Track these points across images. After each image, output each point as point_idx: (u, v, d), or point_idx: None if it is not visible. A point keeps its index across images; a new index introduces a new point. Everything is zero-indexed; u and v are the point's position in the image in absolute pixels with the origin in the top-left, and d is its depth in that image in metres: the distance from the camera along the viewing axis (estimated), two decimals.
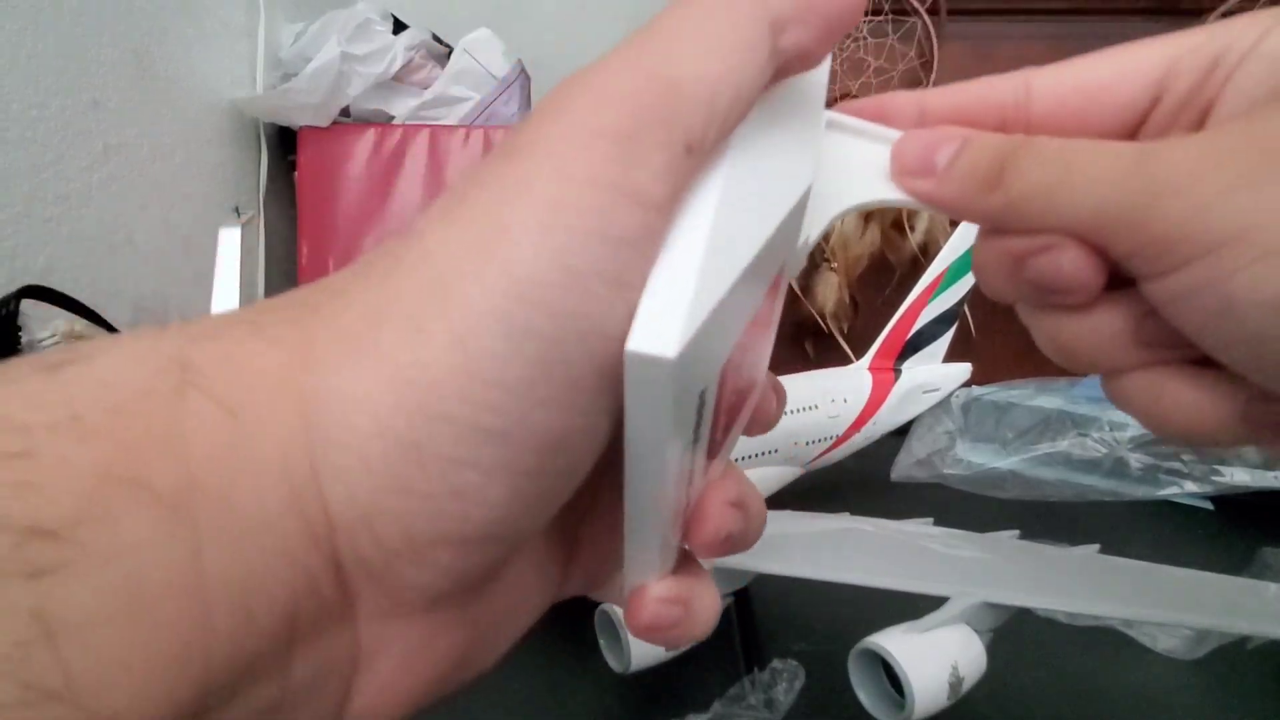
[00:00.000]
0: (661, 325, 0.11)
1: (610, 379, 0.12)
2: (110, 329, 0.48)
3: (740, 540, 0.17)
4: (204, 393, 0.11)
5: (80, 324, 0.47)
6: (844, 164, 0.17)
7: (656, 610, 0.16)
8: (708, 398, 0.13)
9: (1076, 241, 0.14)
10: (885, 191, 0.16)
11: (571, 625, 0.42)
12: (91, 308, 0.48)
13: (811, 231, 0.16)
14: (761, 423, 0.19)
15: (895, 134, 0.17)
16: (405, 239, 0.13)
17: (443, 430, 0.12)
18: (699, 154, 0.13)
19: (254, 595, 0.11)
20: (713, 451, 0.16)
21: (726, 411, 0.16)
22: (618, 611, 0.37)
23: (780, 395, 0.19)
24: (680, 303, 0.11)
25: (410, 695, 0.15)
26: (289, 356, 0.12)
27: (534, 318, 0.12)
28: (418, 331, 0.12)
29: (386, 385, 0.12)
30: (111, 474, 0.10)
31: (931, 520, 0.50)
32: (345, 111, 0.73)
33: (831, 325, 0.79)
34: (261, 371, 0.12)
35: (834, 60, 0.77)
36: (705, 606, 0.17)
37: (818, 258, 0.79)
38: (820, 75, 0.16)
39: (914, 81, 0.79)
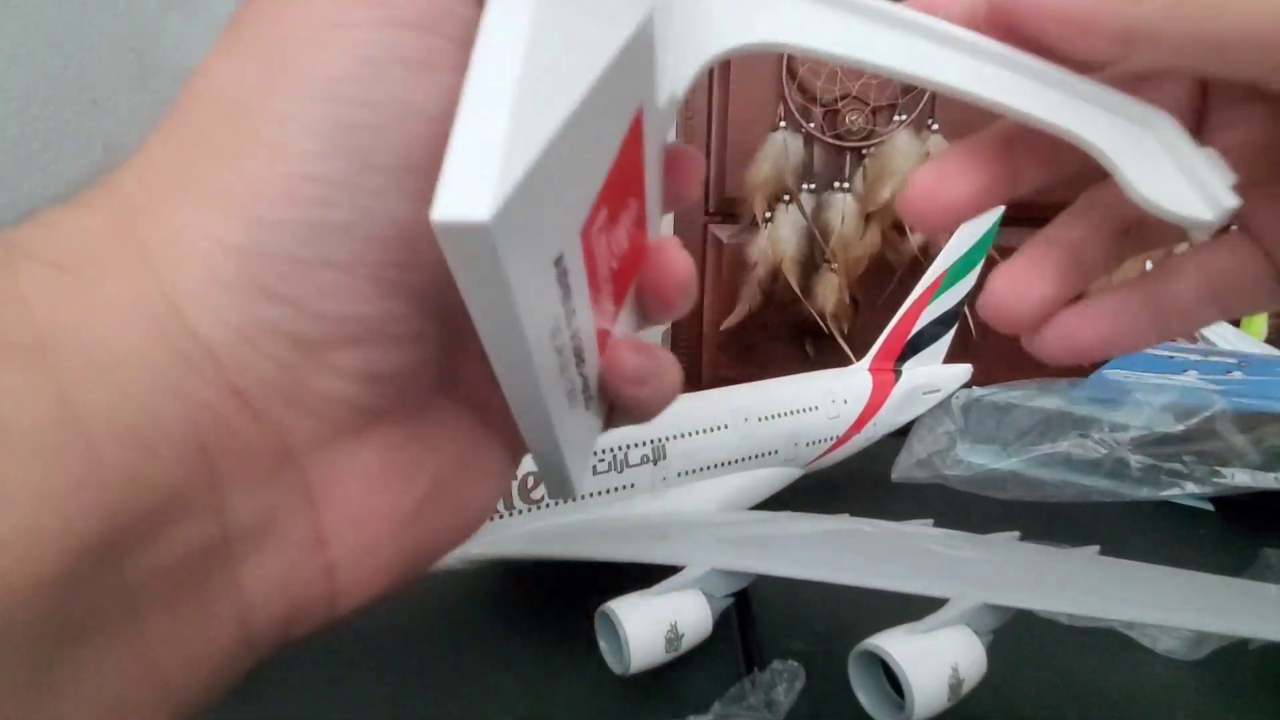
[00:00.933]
0: (472, 183, 0.09)
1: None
2: None
3: (655, 377, 0.15)
4: (32, 259, 0.11)
5: None
6: (703, 4, 0.14)
7: (635, 358, 0.15)
8: (571, 264, 0.12)
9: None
10: (788, 32, 0.14)
11: (571, 626, 0.42)
12: None
13: (677, 86, 0.14)
14: (665, 291, 0.16)
15: None
16: (188, 84, 0.13)
17: (283, 234, 0.12)
18: None
19: (143, 429, 0.11)
20: (604, 321, 0.14)
21: (612, 279, 0.14)
22: (618, 612, 0.37)
23: (679, 251, 0.16)
24: (492, 151, 0.09)
25: (389, 543, 0.14)
26: (108, 212, 0.12)
27: (341, 111, 0.12)
28: (232, 153, 0.12)
29: (215, 205, 0.12)
30: None
31: (932, 521, 0.50)
32: None
33: (831, 326, 0.79)
34: (85, 230, 0.12)
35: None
36: (670, 363, 0.16)
37: (818, 258, 0.79)
38: None
39: None
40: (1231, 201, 0.14)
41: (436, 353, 0.14)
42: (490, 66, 0.10)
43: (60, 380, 0.10)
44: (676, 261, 0.16)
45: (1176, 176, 0.14)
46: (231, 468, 0.12)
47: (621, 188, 0.13)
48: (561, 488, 0.15)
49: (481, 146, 0.09)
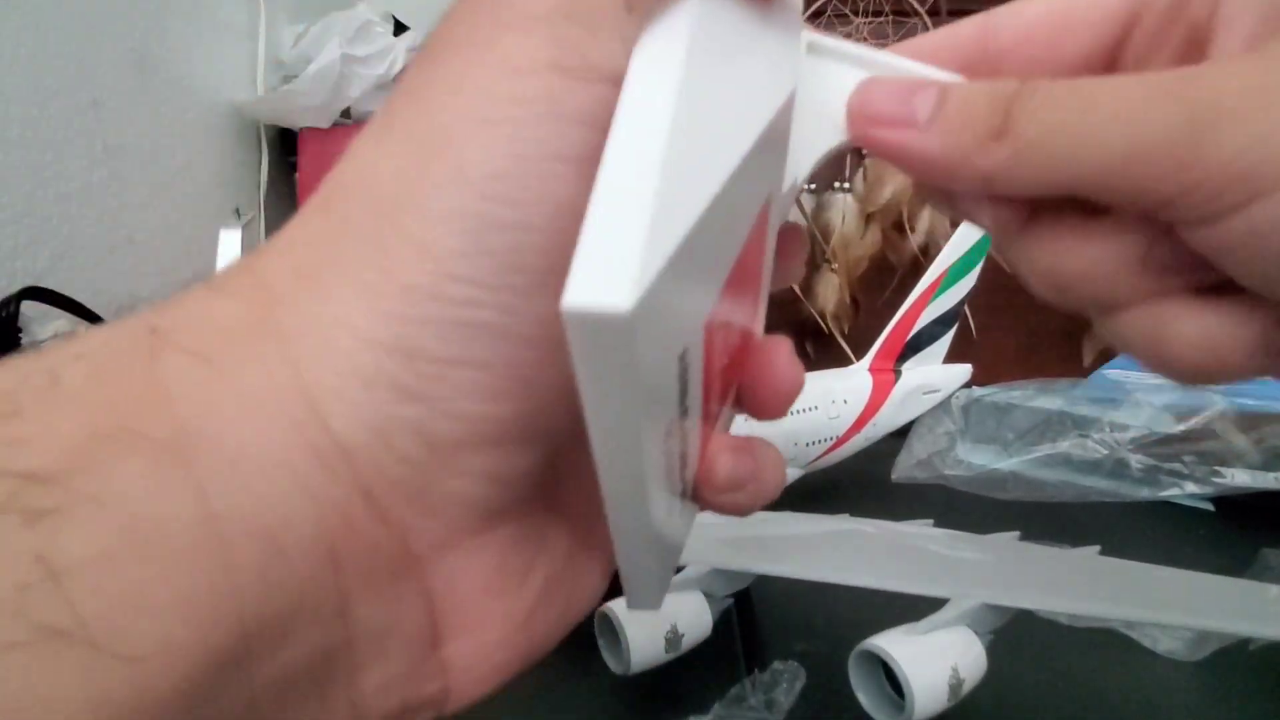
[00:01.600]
0: (611, 269, 0.08)
1: None
2: None
3: (754, 480, 0.15)
4: (177, 348, 0.11)
5: (81, 326, 0.47)
6: (830, 91, 0.14)
7: (732, 462, 0.14)
8: (691, 360, 0.11)
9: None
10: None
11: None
12: (91, 309, 0.48)
13: (799, 170, 0.14)
14: (766, 399, 0.15)
15: (896, 61, 0.14)
16: (336, 171, 0.13)
17: (427, 332, 0.12)
18: (641, 10, 0.12)
19: (276, 531, 0.11)
20: (709, 423, 0.14)
21: (721, 375, 0.13)
22: (618, 612, 0.37)
23: (790, 359, 0.16)
24: (634, 235, 0.08)
25: (503, 645, 0.14)
26: (249, 300, 0.12)
27: (492, 210, 0.11)
28: (378, 248, 0.12)
29: (359, 300, 0.12)
30: (98, 428, 0.10)
31: (932, 521, 0.50)
32: (346, 113, 0.73)
33: (832, 326, 0.79)
34: (228, 321, 0.12)
35: None
36: (772, 459, 0.15)
37: (818, 258, 0.79)
38: None
39: None
40: None
41: (552, 454, 0.14)
42: (631, 145, 0.09)
43: (198, 477, 0.10)
44: (785, 369, 0.15)
45: None
46: (357, 571, 0.12)
47: (743, 277, 0.13)
48: (646, 599, 0.15)
49: (621, 230, 0.08)
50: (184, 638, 0.10)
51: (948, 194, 0.15)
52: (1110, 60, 0.15)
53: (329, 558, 0.11)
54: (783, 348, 0.15)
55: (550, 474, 0.14)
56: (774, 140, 0.12)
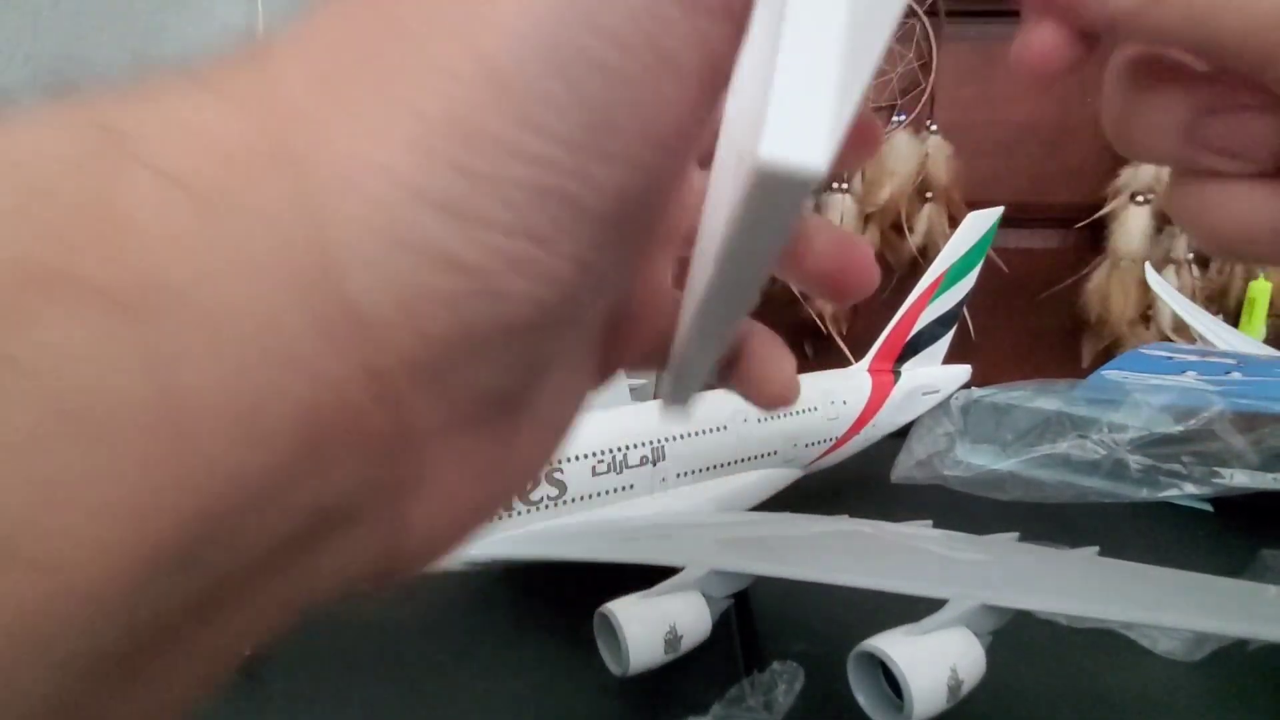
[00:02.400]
0: (808, 127, 0.08)
1: (691, 125, 0.10)
2: None
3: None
4: (150, 167, 0.09)
5: None
6: None
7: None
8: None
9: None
10: None
11: (570, 627, 0.42)
12: None
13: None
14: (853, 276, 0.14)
15: None
16: None
17: (486, 191, 0.09)
18: None
19: (251, 414, 0.09)
20: None
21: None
22: (617, 613, 0.37)
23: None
24: (828, 92, 0.08)
25: (459, 532, 0.13)
26: (255, 115, 0.09)
27: (593, 45, 0.09)
28: (434, 67, 0.09)
29: (405, 137, 0.09)
30: (30, 267, 0.08)
31: (931, 522, 0.50)
32: None
33: (831, 327, 0.79)
34: (222, 136, 0.09)
35: None
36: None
37: None
38: None
39: (913, 83, 0.79)
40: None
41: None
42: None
43: (157, 344, 0.08)
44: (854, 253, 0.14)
45: None
46: (339, 454, 0.10)
47: None
48: (684, 398, 0.16)
49: (815, 83, 0.08)
50: (122, 540, 0.08)
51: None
52: None
53: (310, 443, 0.09)
54: (859, 241, 0.14)
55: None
56: None
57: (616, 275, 0.12)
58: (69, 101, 0.09)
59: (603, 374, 0.15)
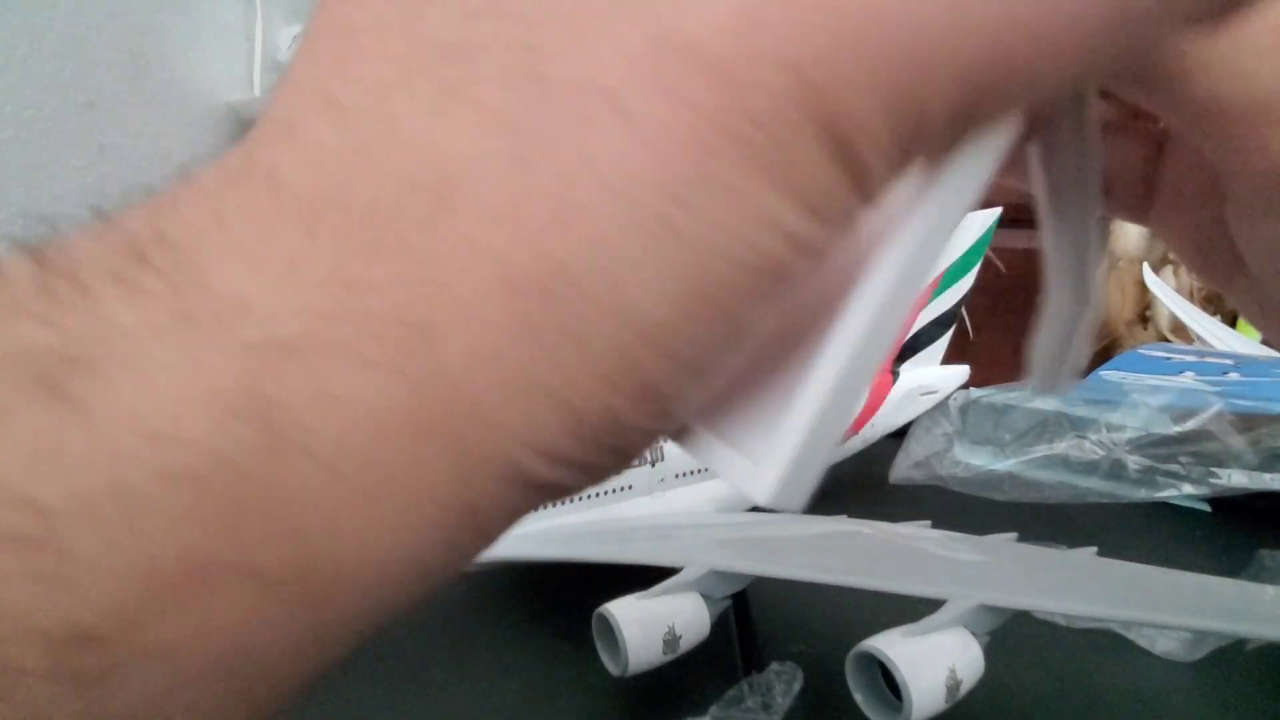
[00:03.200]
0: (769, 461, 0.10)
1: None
2: None
3: None
4: (304, 451, 0.08)
5: None
6: None
7: None
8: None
9: None
10: None
11: (568, 627, 0.42)
12: None
13: None
14: None
15: None
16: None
17: (607, 457, 0.10)
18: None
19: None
20: None
21: None
22: (615, 614, 0.37)
23: None
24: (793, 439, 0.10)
25: None
26: (414, 385, 0.09)
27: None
28: (614, 363, 0.09)
29: (559, 425, 0.09)
30: (182, 563, 0.08)
31: (929, 522, 0.50)
32: None
33: None
34: (379, 410, 0.08)
35: None
36: None
37: None
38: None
39: None
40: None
41: None
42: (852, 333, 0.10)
43: (319, 621, 0.09)
44: None
45: None
46: None
47: None
48: (799, 496, 0.16)
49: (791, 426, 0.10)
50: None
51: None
52: None
53: None
54: None
55: None
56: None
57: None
58: (199, 334, 0.08)
59: None
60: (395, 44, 0.09)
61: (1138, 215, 0.15)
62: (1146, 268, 0.75)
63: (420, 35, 0.09)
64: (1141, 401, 0.56)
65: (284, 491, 0.08)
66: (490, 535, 0.10)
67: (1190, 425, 0.54)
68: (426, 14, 0.09)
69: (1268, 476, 0.52)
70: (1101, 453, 0.55)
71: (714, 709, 0.36)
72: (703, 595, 0.39)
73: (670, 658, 0.37)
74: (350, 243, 0.08)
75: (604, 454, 0.09)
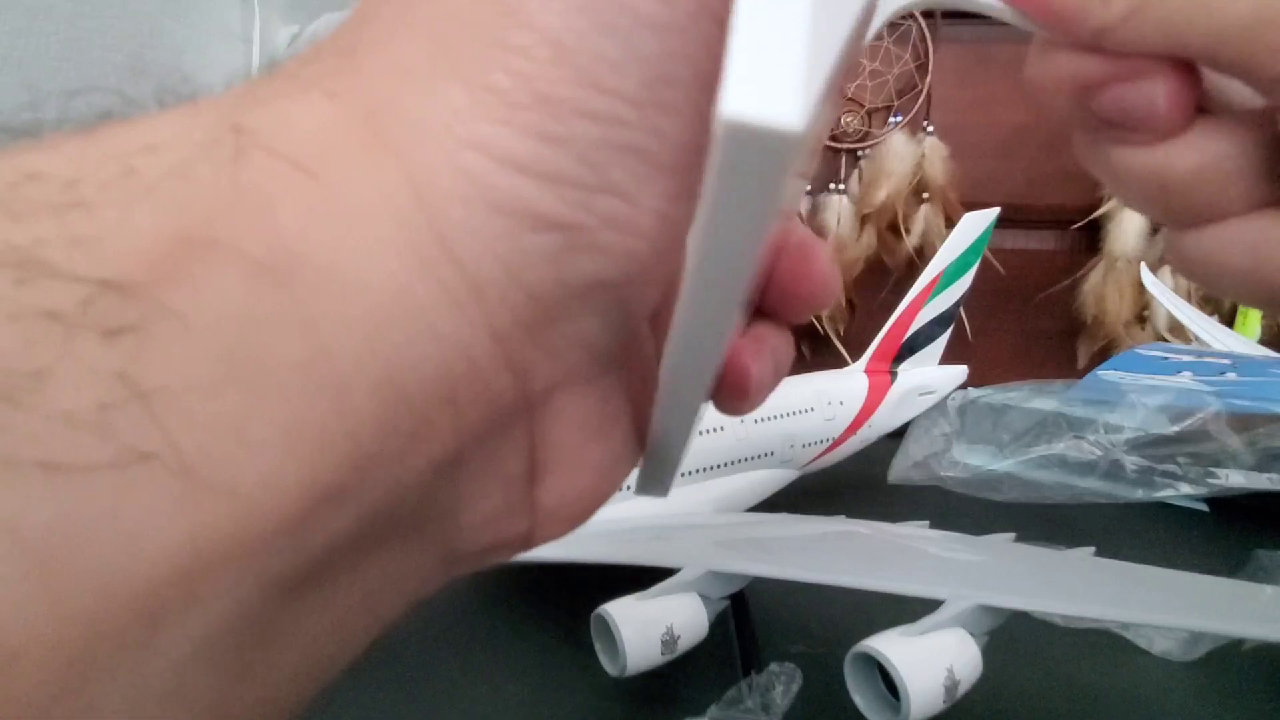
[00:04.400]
0: (779, 79, 0.07)
1: None
2: None
3: (768, 388, 0.14)
4: (271, 154, 0.09)
5: None
6: None
7: (759, 369, 0.14)
8: (793, 189, 0.11)
9: (1175, 69, 0.11)
10: None
11: (567, 628, 0.42)
12: None
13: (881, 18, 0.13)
14: (811, 290, 0.14)
15: None
16: None
17: (567, 152, 0.10)
18: None
19: (398, 375, 0.10)
20: (743, 312, 0.12)
21: (770, 249, 0.12)
22: (613, 614, 0.37)
23: (829, 259, 0.14)
24: (799, 42, 0.07)
25: (590, 492, 0.14)
26: (349, 104, 0.10)
27: (644, 4, 0.10)
28: (502, 43, 0.10)
29: (486, 110, 0.10)
30: (184, 235, 0.09)
31: (928, 523, 0.50)
32: None
33: (827, 327, 0.79)
34: (325, 124, 0.10)
35: None
36: (785, 358, 0.15)
37: None
38: None
39: (910, 85, 0.79)
40: None
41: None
42: None
43: (306, 308, 0.09)
44: (826, 267, 0.14)
45: None
46: (474, 414, 0.11)
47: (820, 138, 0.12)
48: (659, 484, 0.15)
49: (785, 34, 0.07)
50: (291, 474, 0.09)
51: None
52: None
53: (449, 401, 0.10)
54: (820, 246, 0.14)
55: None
56: None
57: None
58: (189, 105, 0.10)
59: None
60: None
61: None
62: (1144, 268, 0.75)
63: None
64: (1139, 402, 0.56)
65: (260, 193, 0.09)
66: (464, 265, 0.10)
67: (1188, 425, 0.54)
68: None
69: (1265, 476, 0.52)
70: (1099, 453, 0.55)
71: (713, 709, 0.36)
72: (701, 596, 0.39)
73: (669, 658, 0.37)
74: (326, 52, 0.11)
75: (538, 143, 0.10)
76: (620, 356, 0.13)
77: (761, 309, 0.15)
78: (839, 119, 0.78)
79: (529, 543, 0.14)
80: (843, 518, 0.49)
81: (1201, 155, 0.11)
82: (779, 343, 0.15)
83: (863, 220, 0.79)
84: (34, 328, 0.08)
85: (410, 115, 0.10)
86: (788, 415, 0.57)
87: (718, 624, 0.40)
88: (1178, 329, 0.75)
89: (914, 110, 0.78)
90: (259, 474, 0.09)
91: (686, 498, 0.52)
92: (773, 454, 0.56)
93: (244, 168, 0.09)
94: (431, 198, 0.10)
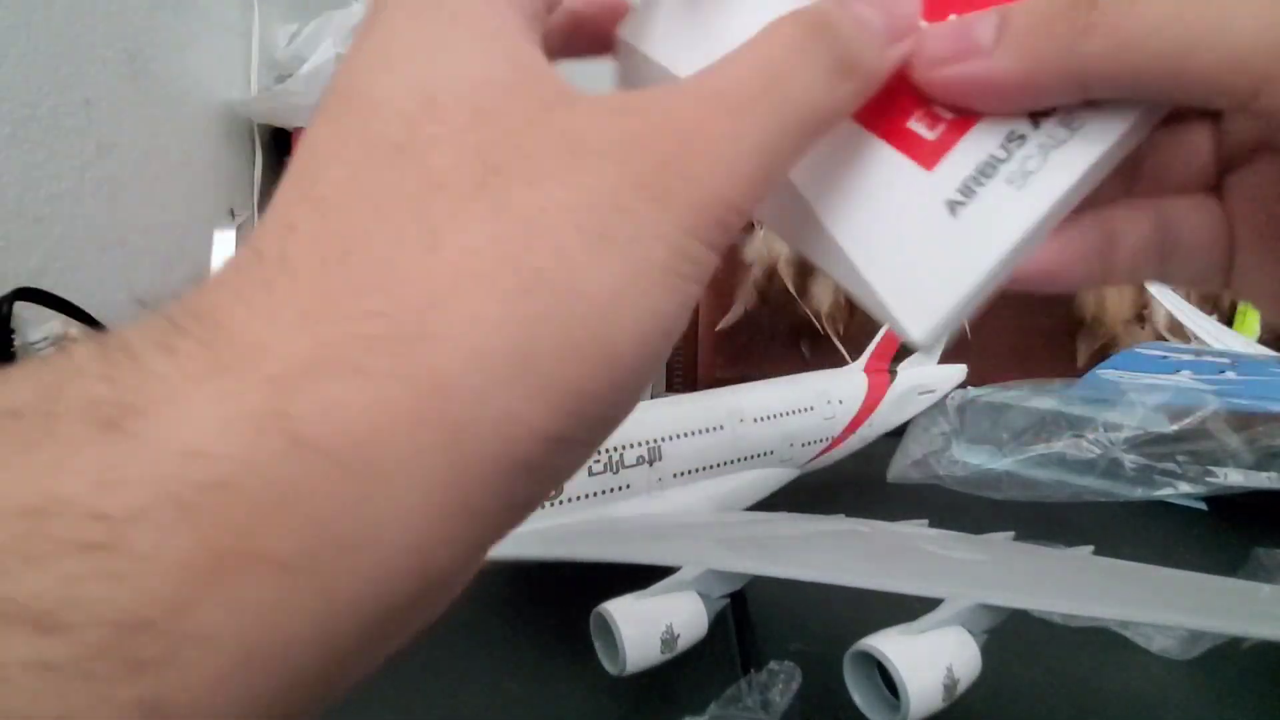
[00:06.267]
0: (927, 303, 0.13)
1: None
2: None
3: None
4: (318, 450, 0.09)
5: (74, 328, 0.46)
6: None
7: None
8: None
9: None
10: None
11: (566, 627, 0.42)
12: (85, 310, 0.47)
13: None
14: None
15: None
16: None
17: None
18: None
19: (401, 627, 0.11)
20: None
21: None
22: (613, 613, 0.37)
23: None
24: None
25: None
26: (409, 389, 0.10)
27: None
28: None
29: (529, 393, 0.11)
30: (216, 554, 0.09)
31: (927, 521, 0.50)
32: None
33: (827, 326, 0.79)
34: (379, 410, 0.10)
35: None
36: None
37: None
38: None
39: None
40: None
41: None
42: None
43: (325, 592, 0.10)
44: None
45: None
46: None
47: None
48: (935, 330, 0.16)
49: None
50: None
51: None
52: None
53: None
54: None
55: None
56: None
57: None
58: (221, 369, 0.10)
59: None
60: (351, 152, 0.11)
61: (1218, 279, 0.15)
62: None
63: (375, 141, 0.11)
64: (1138, 400, 0.56)
65: (299, 489, 0.09)
66: (488, 527, 0.11)
67: (1187, 424, 0.54)
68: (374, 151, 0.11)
69: (1264, 475, 0.52)
70: (1098, 451, 0.55)
71: (712, 708, 0.36)
72: (701, 594, 0.39)
73: (668, 657, 0.37)
74: (352, 286, 0.10)
75: (586, 427, 0.11)
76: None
77: None
78: None
79: None
80: (842, 516, 0.49)
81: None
82: None
83: None
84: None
85: (473, 397, 0.10)
86: (787, 414, 0.57)
87: (717, 622, 0.40)
88: (1177, 328, 0.75)
89: None
90: None
91: (686, 497, 0.52)
92: (772, 453, 0.56)
93: (286, 468, 0.10)
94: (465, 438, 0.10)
